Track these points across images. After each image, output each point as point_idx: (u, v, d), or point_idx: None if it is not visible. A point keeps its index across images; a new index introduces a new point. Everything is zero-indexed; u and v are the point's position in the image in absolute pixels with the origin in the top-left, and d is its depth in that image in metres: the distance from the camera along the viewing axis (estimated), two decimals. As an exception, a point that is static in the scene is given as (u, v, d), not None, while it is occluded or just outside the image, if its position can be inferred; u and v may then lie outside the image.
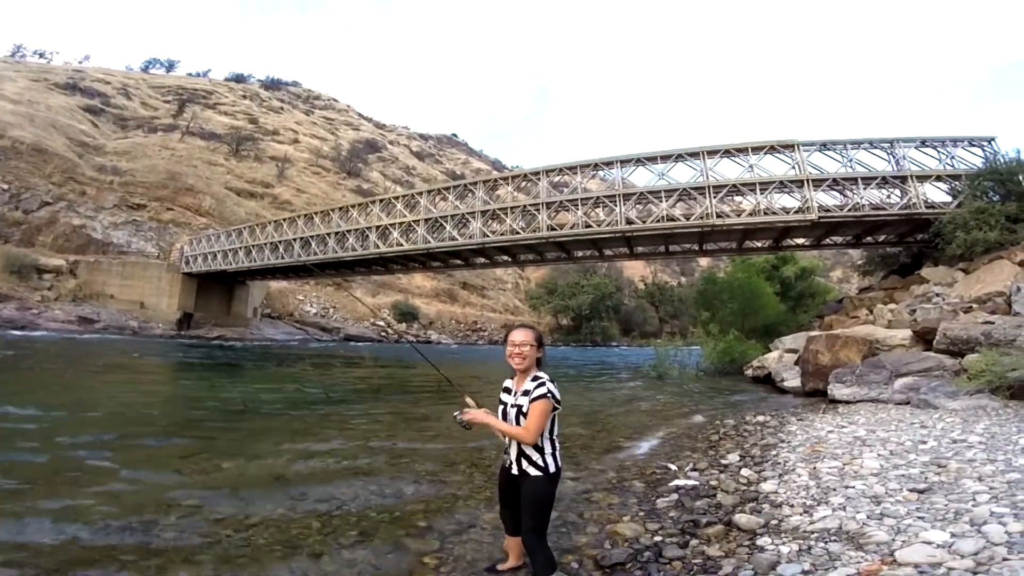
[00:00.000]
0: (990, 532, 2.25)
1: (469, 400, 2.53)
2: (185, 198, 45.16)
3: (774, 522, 2.89)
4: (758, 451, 5.08)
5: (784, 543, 2.55)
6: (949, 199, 17.04)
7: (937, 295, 12.52)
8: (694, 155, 19.56)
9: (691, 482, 4.05)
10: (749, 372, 14.70)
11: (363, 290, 53.26)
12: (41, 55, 64.83)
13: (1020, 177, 14.88)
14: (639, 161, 20.65)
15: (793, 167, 18.57)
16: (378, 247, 25.49)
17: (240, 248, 32.47)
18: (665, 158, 20.21)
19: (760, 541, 2.64)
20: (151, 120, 55.91)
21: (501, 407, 2.42)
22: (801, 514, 2.96)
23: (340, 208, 29.41)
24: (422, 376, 15.42)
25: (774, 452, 4.93)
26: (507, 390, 2.46)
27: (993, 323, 9.13)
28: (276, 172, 57.88)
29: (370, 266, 30.32)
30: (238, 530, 3.05)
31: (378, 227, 25.84)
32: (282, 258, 29.91)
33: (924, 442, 4.46)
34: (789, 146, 18.81)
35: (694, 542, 2.77)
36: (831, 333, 11.61)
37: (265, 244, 31.06)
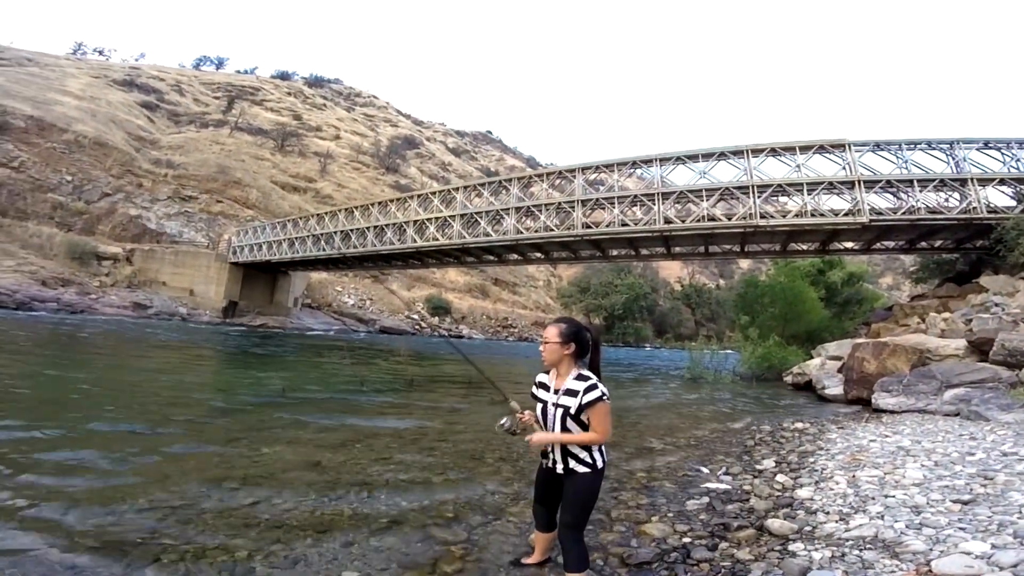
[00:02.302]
0: None
1: (515, 405, 2.42)
2: (233, 191, 47.54)
3: (808, 528, 2.81)
4: (795, 457, 4.93)
5: (817, 549, 2.48)
6: (1013, 203, 15.94)
7: (996, 305, 11.74)
8: (738, 153, 18.95)
9: (723, 486, 3.97)
10: (789, 379, 14.23)
11: (399, 284, 54.45)
12: (100, 52, 68.88)
13: None
14: (679, 159, 20.18)
15: (844, 167, 17.75)
16: (415, 241, 26.02)
17: (284, 240, 33.85)
18: (707, 156, 19.66)
19: (792, 547, 2.58)
20: (202, 116, 58.82)
21: (540, 405, 2.33)
22: (837, 521, 2.87)
23: (379, 203, 30.18)
24: (453, 370, 15.64)
25: (812, 459, 4.78)
26: (543, 386, 2.37)
27: None
28: (318, 167, 59.91)
29: (407, 260, 30.98)
30: (272, 514, 3.18)
31: (415, 222, 26.37)
32: (323, 250, 30.97)
33: (972, 454, 4.23)
34: (840, 145, 17.97)
35: (723, 545, 2.73)
36: (878, 341, 11.07)
37: (307, 236, 32.26)
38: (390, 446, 5.42)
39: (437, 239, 25.19)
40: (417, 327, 48.30)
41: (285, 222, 35.45)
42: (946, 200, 16.94)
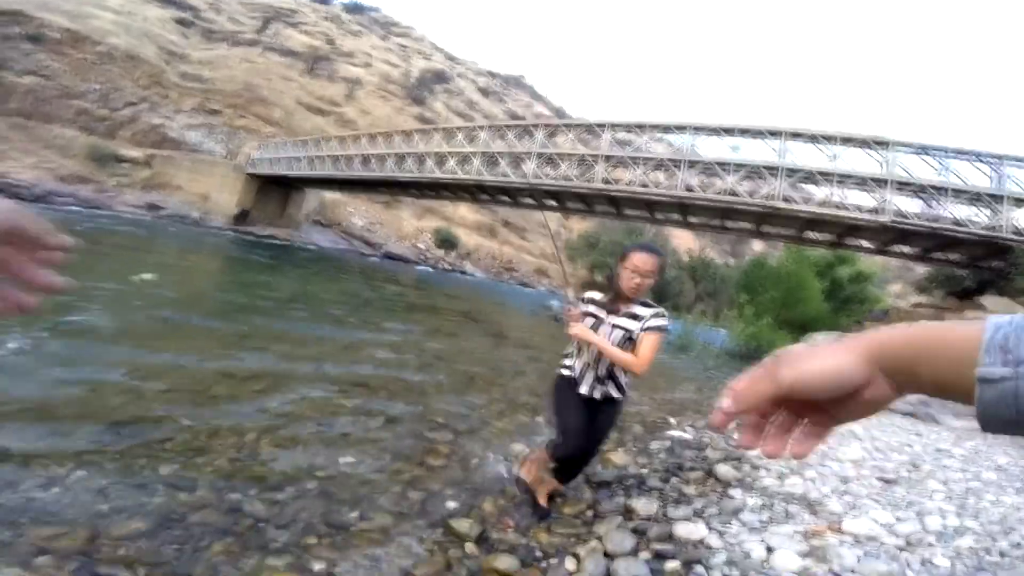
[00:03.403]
0: (928, 522, 2.54)
1: (570, 294, 2.33)
2: (257, 108, 47.71)
3: (749, 480, 3.24)
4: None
5: (752, 497, 2.91)
6: None
7: (991, 323, 12.00)
8: (775, 134, 18.53)
9: (685, 435, 4.43)
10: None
11: (409, 212, 54.62)
12: None
13: None
14: (714, 131, 19.73)
15: (880, 165, 17.40)
16: (434, 172, 25.95)
17: (304, 157, 34.06)
18: (743, 132, 19.23)
19: (732, 491, 3.01)
20: (236, 34, 57.49)
21: (592, 321, 2.21)
22: (775, 478, 3.29)
23: (403, 132, 30.12)
24: (452, 299, 16.17)
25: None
26: (595, 303, 2.27)
27: None
28: (345, 92, 58.84)
29: (422, 190, 31.10)
30: (281, 403, 3.57)
31: (436, 154, 26.23)
32: (342, 171, 31.10)
33: (910, 446, 4.66)
34: (883, 143, 17.50)
35: (674, 480, 3.16)
36: (866, 337, 11.46)
37: (327, 156, 32.45)
38: (389, 358, 5.90)
39: (456, 173, 25.09)
40: (422, 256, 48.85)
41: (307, 140, 35.57)
42: (976, 215, 16.70)
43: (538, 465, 2.46)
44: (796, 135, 18.29)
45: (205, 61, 48.83)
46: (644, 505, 2.57)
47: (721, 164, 19.05)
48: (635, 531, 2.29)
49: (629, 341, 2.12)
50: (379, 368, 5.32)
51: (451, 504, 2.43)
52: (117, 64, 40.94)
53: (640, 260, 2.14)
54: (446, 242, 53.98)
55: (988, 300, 14.36)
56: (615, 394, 2.28)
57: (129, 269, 8.84)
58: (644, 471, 3.29)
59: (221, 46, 53.61)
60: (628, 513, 2.52)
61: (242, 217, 36.42)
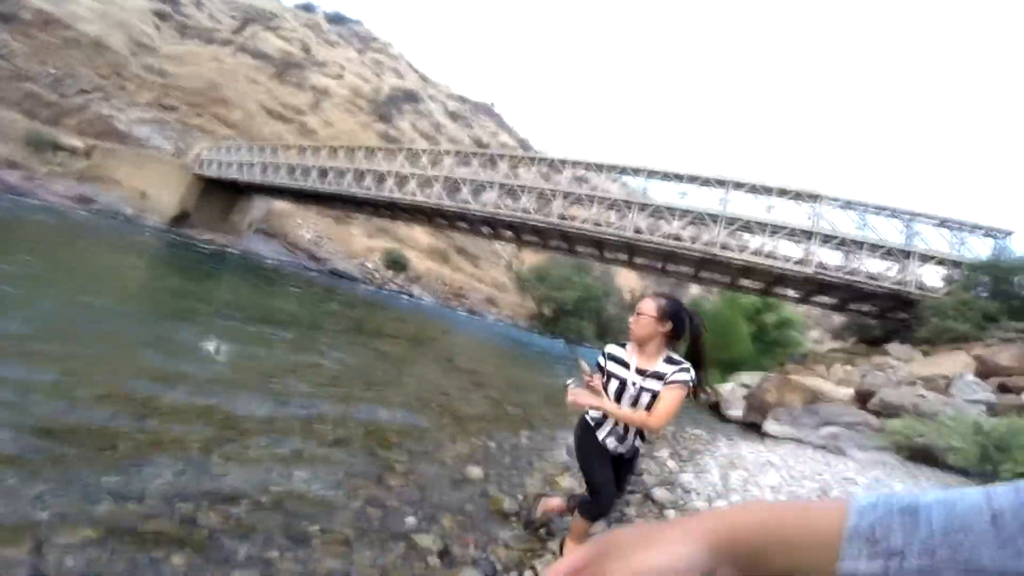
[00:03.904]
0: None
1: (585, 365, 2.25)
2: (217, 108, 46.36)
3: (681, 502, 3.51)
4: (686, 453, 5.76)
5: (682, 515, 3.17)
6: (941, 284, 17.56)
7: (891, 367, 13.37)
8: (721, 183, 20.01)
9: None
10: (702, 397, 15.44)
11: (360, 230, 53.52)
12: None
13: (1018, 279, 14.96)
14: (665, 176, 21.05)
15: (809, 218, 19.13)
16: (393, 192, 25.86)
17: (258, 163, 32.94)
18: (692, 179, 20.62)
19: (667, 512, 3.26)
20: (211, 32, 55.99)
21: (616, 382, 2.10)
22: (704, 502, 3.59)
23: (367, 148, 29.90)
24: (399, 322, 15.97)
25: (699, 457, 5.62)
26: (618, 360, 2.14)
27: (925, 397, 10.02)
28: (312, 101, 57.87)
29: (379, 208, 30.75)
30: (225, 418, 3.48)
31: (398, 173, 26.20)
32: (298, 181, 30.28)
33: (820, 474, 5.18)
34: (814, 196, 19.23)
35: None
36: (783, 376, 12.43)
37: (283, 165, 31.47)
38: (338, 379, 5.83)
39: (415, 196, 25.13)
40: (369, 276, 47.78)
41: (264, 146, 34.49)
42: (888, 269, 18.46)
43: (578, 537, 2.28)
44: (739, 185, 19.86)
45: (173, 56, 47.54)
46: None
47: (669, 209, 20.29)
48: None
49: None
50: (327, 388, 5.25)
51: (410, 520, 2.50)
52: (81, 50, 39.51)
53: (641, 303, 2.13)
54: (396, 263, 53.09)
55: (892, 347, 15.91)
56: (638, 444, 2.25)
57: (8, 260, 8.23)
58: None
59: (194, 43, 52.31)
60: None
61: (181, 219, 34.43)
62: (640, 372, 2.05)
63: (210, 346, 5.64)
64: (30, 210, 20.85)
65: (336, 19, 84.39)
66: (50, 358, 3.82)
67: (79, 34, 39.72)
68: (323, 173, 29.40)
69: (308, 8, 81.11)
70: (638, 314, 2.09)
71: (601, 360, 2.20)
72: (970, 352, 12.60)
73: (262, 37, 60.39)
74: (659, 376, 2.02)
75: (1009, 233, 17.91)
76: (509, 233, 26.86)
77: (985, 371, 11.60)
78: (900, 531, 0.30)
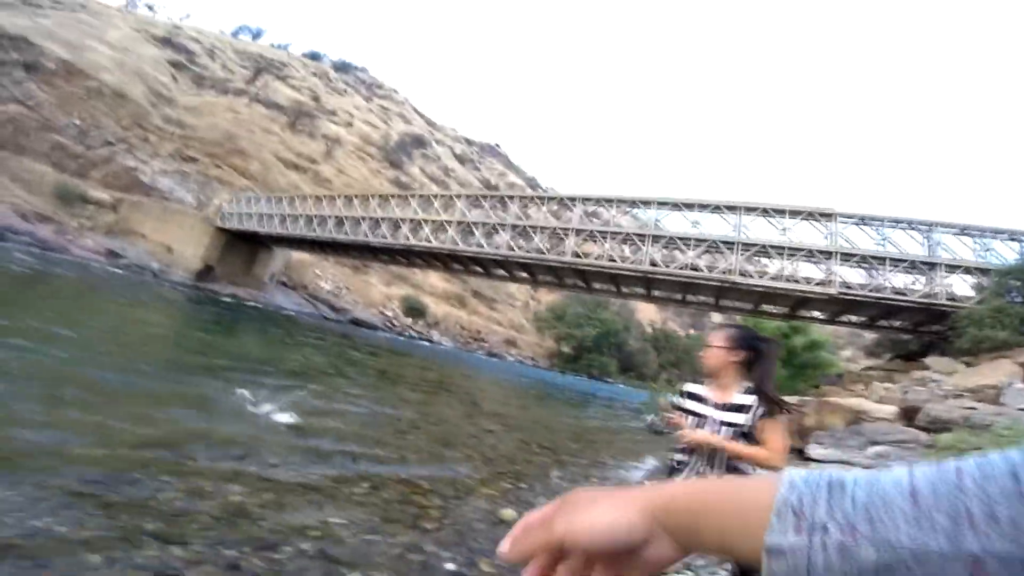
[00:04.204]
0: None
1: (666, 403, 2.21)
2: (235, 159, 47.26)
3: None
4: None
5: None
6: (972, 293, 16.93)
7: (934, 381, 12.77)
8: (732, 209, 19.95)
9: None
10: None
11: (378, 278, 54.19)
12: (150, 7, 68.72)
13: None
14: (676, 205, 21.08)
15: (826, 237, 18.83)
16: (408, 239, 26.29)
17: (276, 215, 33.69)
18: (703, 207, 20.58)
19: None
20: (225, 82, 58.59)
21: (695, 420, 2.00)
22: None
23: (381, 196, 30.53)
24: (422, 368, 15.93)
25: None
26: (693, 396, 2.06)
27: (976, 408, 9.49)
28: (324, 150, 59.78)
29: (394, 256, 31.15)
30: (260, 465, 3.48)
31: (412, 220, 26.69)
32: (316, 232, 30.90)
33: None
34: (827, 215, 18.93)
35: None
36: (823, 399, 11.98)
37: (301, 216, 32.14)
38: (366, 426, 5.79)
39: (430, 241, 25.55)
40: (389, 324, 48.13)
41: (281, 197, 35.29)
42: (913, 282, 17.84)
43: None
44: (750, 209, 19.76)
45: (190, 107, 48.73)
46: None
47: (683, 239, 20.21)
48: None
49: (742, 436, 1.90)
50: (356, 435, 5.21)
51: (450, 566, 2.43)
52: (104, 101, 40.18)
53: (710, 336, 2.06)
54: (414, 310, 53.48)
55: (932, 360, 15.22)
56: None
57: (69, 316, 8.48)
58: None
59: (209, 93, 53.85)
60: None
61: (205, 273, 34.99)
62: (719, 406, 1.96)
63: (242, 396, 5.70)
64: (61, 265, 21.63)
65: (342, 67, 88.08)
66: (88, 408, 3.88)
67: (101, 84, 40.34)
68: (340, 222, 29.95)
69: (315, 56, 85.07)
70: (707, 347, 2.02)
71: (679, 398, 2.11)
72: (1015, 359, 12.02)
73: (273, 87, 63.03)
74: (739, 408, 1.92)
75: None
76: (524, 274, 26.96)
77: None
78: (825, 505, 0.31)
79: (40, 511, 2.18)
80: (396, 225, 27.45)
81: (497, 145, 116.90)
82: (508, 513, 3.40)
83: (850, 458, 8.40)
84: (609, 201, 22.64)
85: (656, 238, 20.52)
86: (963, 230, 18.17)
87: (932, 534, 0.27)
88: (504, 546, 0.42)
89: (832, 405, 11.02)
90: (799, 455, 9.85)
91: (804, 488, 0.32)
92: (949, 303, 16.66)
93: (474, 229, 24.60)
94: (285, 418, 5.25)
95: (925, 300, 17.05)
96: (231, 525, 2.41)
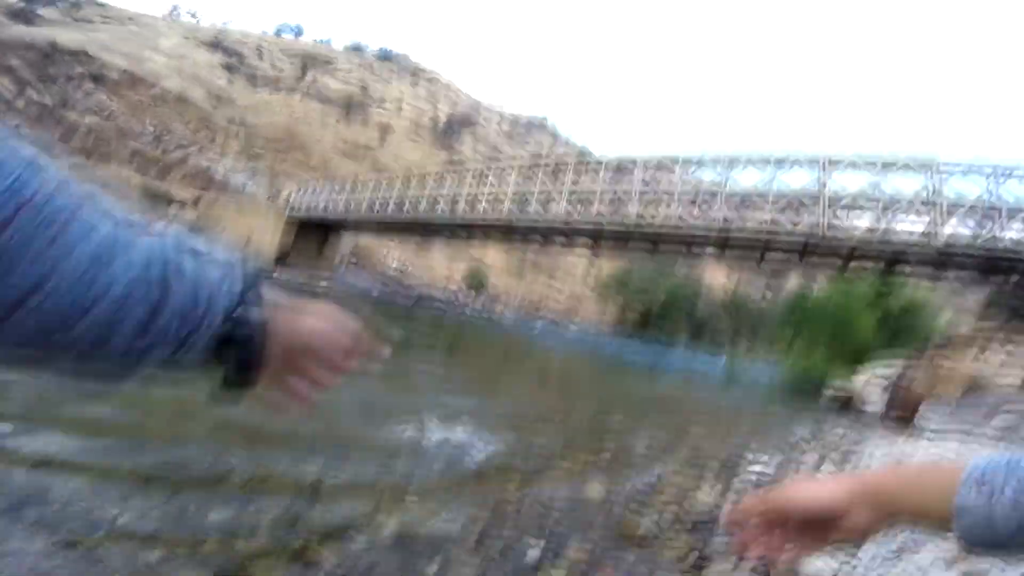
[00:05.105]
0: None
1: None
2: (297, 153, 49.96)
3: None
4: (837, 455, 4.92)
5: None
6: None
7: (1065, 346, 11.00)
8: (813, 162, 18.14)
9: (768, 470, 4.02)
10: (830, 393, 13.73)
11: (440, 254, 55.41)
12: (193, 15, 72.48)
13: None
14: (749, 162, 19.49)
15: (925, 188, 16.69)
16: (466, 213, 26.43)
17: (341, 200, 35.21)
18: (779, 162, 18.87)
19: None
20: (276, 80, 61.30)
21: None
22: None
23: (436, 174, 30.98)
24: (488, 341, 15.92)
25: (855, 458, 4.75)
26: None
27: None
28: (378, 137, 61.55)
29: (455, 230, 31.55)
30: (335, 447, 3.28)
31: (468, 195, 26.77)
32: (378, 214, 32.07)
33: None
34: (927, 165, 16.85)
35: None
36: (932, 364, 10.67)
37: (364, 200, 33.37)
38: (438, 400, 5.68)
39: (487, 213, 25.49)
40: (453, 298, 49.31)
41: (344, 184, 36.79)
42: None
43: None
44: (835, 162, 17.83)
45: (249, 106, 51.30)
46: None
47: (759, 195, 18.64)
48: (754, 571, 1.98)
49: None
50: (427, 412, 5.06)
51: (534, 552, 2.16)
52: (169, 106, 43.12)
53: None
54: (477, 283, 54.41)
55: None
56: None
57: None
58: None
59: (264, 91, 56.68)
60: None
61: (281, 260, 37.33)
62: None
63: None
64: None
65: (384, 56, 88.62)
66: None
67: (164, 90, 43.16)
68: (399, 203, 30.80)
69: (357, 48, 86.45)
70: None
71: None
72: None
73: (323, 81, 65.16)
74: None
75: None
76: (585, 240, 26.27)
77: None
78: (1003, 474, 0.40)
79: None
80: (454, 201, 27.66)
81: (544, 119, 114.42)
82: (594, 490, 3.09)
83: (971, 429, 7.30)
84: (672, 160, 21.27)
85: (728, 196, 19.05)
86: None
87: None
88: (739, 506, 0.53)
89: (943, 371, 9.76)
90: (905, 424, 8.76)
91: (987, 466, 0.42)
92: None
93: (529, 199, 24.21)
94: (349, 392, 5.17)
95: None
96: (301, 514, 2.28)
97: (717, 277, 74.75)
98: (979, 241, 15.67)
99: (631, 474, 3.57)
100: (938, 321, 29.17)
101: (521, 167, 26.79)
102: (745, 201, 18.95)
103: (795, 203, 18.05)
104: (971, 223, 16.38)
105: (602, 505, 2.87)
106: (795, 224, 17.87)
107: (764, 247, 20.51)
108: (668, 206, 20.25)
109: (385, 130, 63.48)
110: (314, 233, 39.57)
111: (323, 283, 34.02)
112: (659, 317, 59.13)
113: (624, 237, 23.49)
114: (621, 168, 22.74)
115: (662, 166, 21.81)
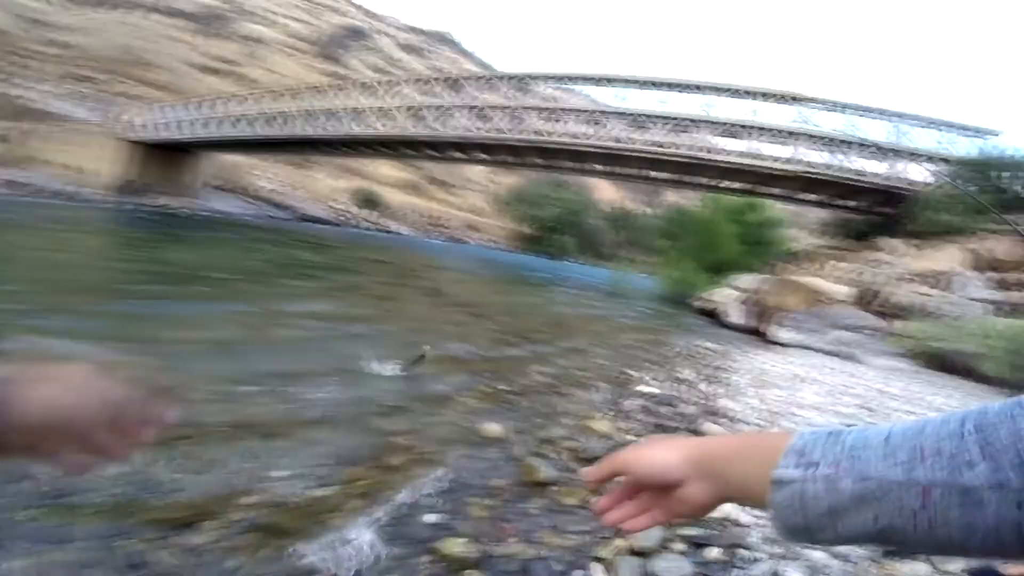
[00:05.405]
0: None
1: None
2: (138, 71, 43.48)
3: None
4: (710, 371, 5.39)
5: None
6: (930, 180, 17.40)
7: (886, 263, 13.21)
8: (700, 88, 19.11)
9: (654, 390, 4.25)
10: (697, 303, 15.12)
11: (324, 172, 52.24)
12: None
13: (1003, 174, 15.24)
14: (643, 83, 20.02)
15: (794, 120, 18.56)
16: (352, 128, 24.23)
17: (198, 120, 30.90)
18: (672, 86, 19.75)
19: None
20: None
21: None
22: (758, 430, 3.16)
23: (315, 87, 28.09)
24: (378, 259, 15.21)
25: (725, 375, 5.25)
26: None
27: (930, 296, 9.86)
28: (246, 52, 53.58)
29: (337, 147, 29.07)
30: (180, 410, 2.76)
31: (354, 109, 24.53)
32: (243, 132, 28.81)
33: (853, 388, 4.85)
34: (798, 98, 18.60)
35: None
36: (783, 278, 12.17)
37: (225, 118, 29.54)
38: (312, 334, 5.12)
39: (377, 128, 23.56)
40: (342, 217, 46.58)
41: (200, 102, 32.18)
42: (875, 167, 18.27)
43: None
44: (719, 89, 18.99)
45: (75, 27, 43.74)
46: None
47: (649, 116, 19.33)
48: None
49: None
50: (302, 346, 4.56)
51: (430, 517, 1.95)
52: None
53: None
54: (368, 201, 51.94)
55: (883, 241, 15.78)
56: None
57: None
58: (630, 437, 3.01)
59: (93, 10, 47.36)
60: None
61: (128, 187, 32.29)
62: None
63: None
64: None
65: None
66: None
67: None
68: (270, 120, 27.78)
69: None
70: None
71: None
72: (965, 246, 12.34)
73: None
74: None
75: (996, 133, 18.02)
76: (483, 155, 25.63)
77: (979, 265, 11.45)
78: (822, 448, 0.37)
79: None
80: (336, 115, 25.24)
81: (448, 33, 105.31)
82: (492, 429, 2.93)
83: (812, 343, 8.49)
84: (572, 78, 21.28)
85: (621, 115, 19.54)
86: (929, 123, 18.46)
87: (893, 467, 0.33)
88: (585, 472, 0.50)
89: (791, 284, 11.13)
90: (760, 336, 10.02)
91: (809, 436, 0.39)
92: (907, 187, 17.14)
93: (426, 113, 22.76)
94: (215, 335, 4.48)
95: (886, 183, 17.45)
96: (131, 502, 1.81)
97: (607, 193, 78.23)
98: (831, 170, 17.93)
99: (527, 404, 3.52)
100: (785, 238, 33.62)
101: (418, 81, 24.98)
102: (636, 122, 19.55)
103: (681, 125, 18.98)
104: (826, 153, 18.68)
105: (500, 445, 2.76)
106: (679, 145, 18.92)
107: (650, 165, 21.56)
108: (566, 123, 20.37)
109: (255, 44, 55.22)
110: (166, 157, 34.82)
111: (183, 210, 29.77)
112: (553, 230, 61.07)
113: (520, 151, 23.28)
114: (522, 86, 22.18)
115: (561, 81, 21.83)
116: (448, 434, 2.87)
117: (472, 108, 21.94)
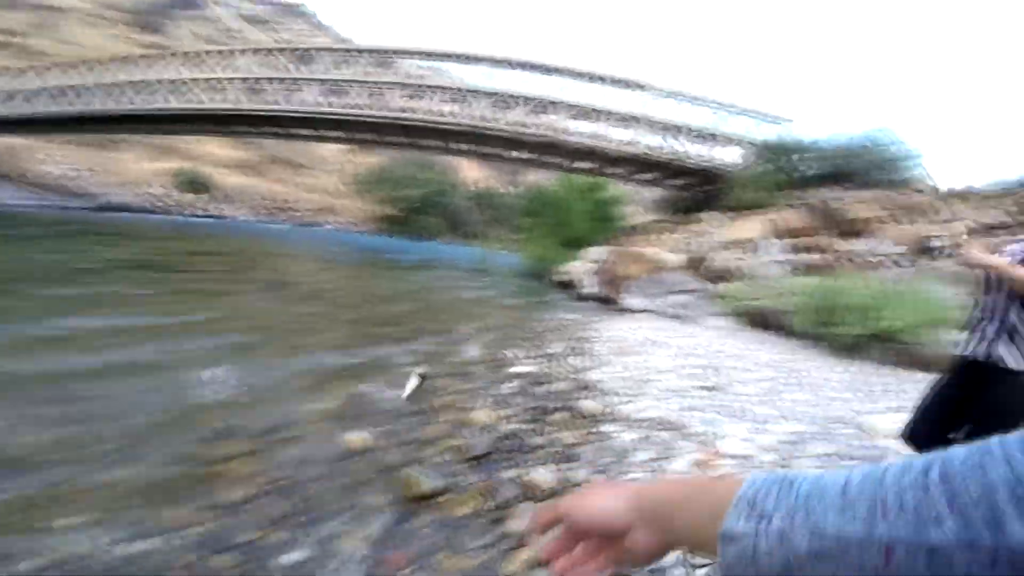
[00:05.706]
0: (773, 429, 2.82)
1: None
2: None
3: (608, 410, 3.15)
4: (575, 343, 5.59)
5: (624, 430, 2.78)
6: (740, 161, 20.38)
7: (708, 233, 15.33)
8: (559, 71, 20.54)
9: (528, 368, 4.23)
10: (556, 277, 15.80)
11: (135, 154, 44.34)
12: None
13: (793, 156, 18.22)
14: (508, 64, 21.05)
15: (638, 105, 20.62)
16: (167, 103, 20.65)
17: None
18: (534, 67, 20.77)
19: (604, 428, 2.84)
20: None
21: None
22: (627, 403, 3.29)
23: (120, 58, 23.61)
24: (207, 251, 13.27)
25: (589, 345, 5.49)
26: None
27: (743, 260, 11.62)
28: (36, 21, 42.72)
29: (146, 123, 24.54)
30: None
31: (172, 81, 20.95)
32: (16, 109, 23.56)
33: (696, 350, 5.40)
34: (642, 85, 20.79)
35: (548, 429, 2.85)
36: (627, 250, 13.33)
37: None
38: (124, 338, 4.16)
39: (201, 103, 20.35)
40: (159, 203, 39.85)
41: None
42: (700, 150, 21.13)
43: None
44: (577, 74, 20.36)
45: None
46: (542, 476, 2.16)
47: (513, 96, 19.85)
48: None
49: None
50: (106, 357, 3.60)
51: (293, 556, 1.60)
52: None
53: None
54: (193, 184, 44.95)
55: (705, 215, 18.20)
56: (1010, 361, 1.54)
57: None
58: (513, 426, 2.89)
59: None
60: (531, 492, 2.08)
61: None
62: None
63: None
64: None
65: None
66: None
67: None
68: (56, 95, 23.17)
69: None
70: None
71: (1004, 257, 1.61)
72: (766, 216, 14.78)
73: None
74: None
75: (790, 120, 21.76)
76: (337, 132, 23.77)
77: (779, 232, 13.75)
78: (775, 498, 0.34)
79: None
80: (148, 89, 21.39)
81: (300, 4, 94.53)
82: (356, 438, 2.56)
83: (656, 307, 9.38)
84: (438, 55, 20.98)
85: (487, 94, 19.83)
86: (742, 111, 21.54)
87: (852, 522, 0.29)
88: (531, 518, 0.48)
89: (634, 255, 12.21)
90: (614, 304, 10.80)
91: (761, 483, 0.35)
92: (723, 168, 19.93)
93: (266, 86, 20.29)
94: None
95: (708, 164, 20.13)
96: None
97: (471, 172, 78.53)
98: (663, 152, 20.16)
99: (397, 408, 3.19)
100: (625, 215, 37.17)
101: (258, 51, 22.07)
102: (500, 102, 19.89)
103: (541, 105, 19.83)
104: (659, 137, 20.95)
105: (368, 457, 2.42)
106: (538, 125, 19.76)
107: (512, 144, 22.17)
108: (431, 100, 19.91)
109: (49, 12, 44.43)
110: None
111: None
112: (418, 211, 59.60)
113: (381, 129, 22.14)
114: (383, 63, 20.96)
115: (427, 58, 21.35)
116: (303, 452, 2.44)
117: (324, 82, 20.18)
